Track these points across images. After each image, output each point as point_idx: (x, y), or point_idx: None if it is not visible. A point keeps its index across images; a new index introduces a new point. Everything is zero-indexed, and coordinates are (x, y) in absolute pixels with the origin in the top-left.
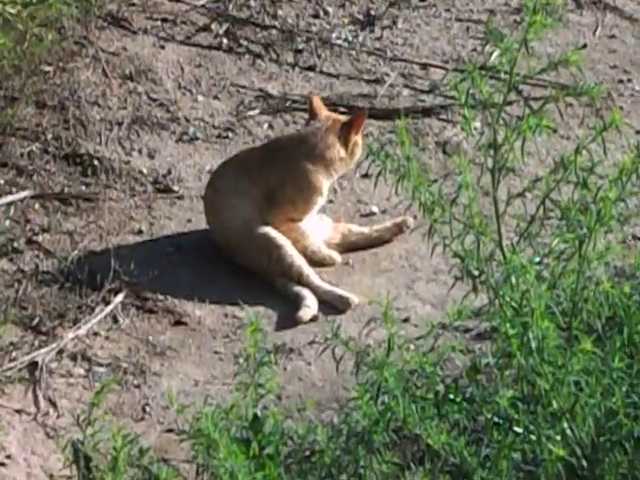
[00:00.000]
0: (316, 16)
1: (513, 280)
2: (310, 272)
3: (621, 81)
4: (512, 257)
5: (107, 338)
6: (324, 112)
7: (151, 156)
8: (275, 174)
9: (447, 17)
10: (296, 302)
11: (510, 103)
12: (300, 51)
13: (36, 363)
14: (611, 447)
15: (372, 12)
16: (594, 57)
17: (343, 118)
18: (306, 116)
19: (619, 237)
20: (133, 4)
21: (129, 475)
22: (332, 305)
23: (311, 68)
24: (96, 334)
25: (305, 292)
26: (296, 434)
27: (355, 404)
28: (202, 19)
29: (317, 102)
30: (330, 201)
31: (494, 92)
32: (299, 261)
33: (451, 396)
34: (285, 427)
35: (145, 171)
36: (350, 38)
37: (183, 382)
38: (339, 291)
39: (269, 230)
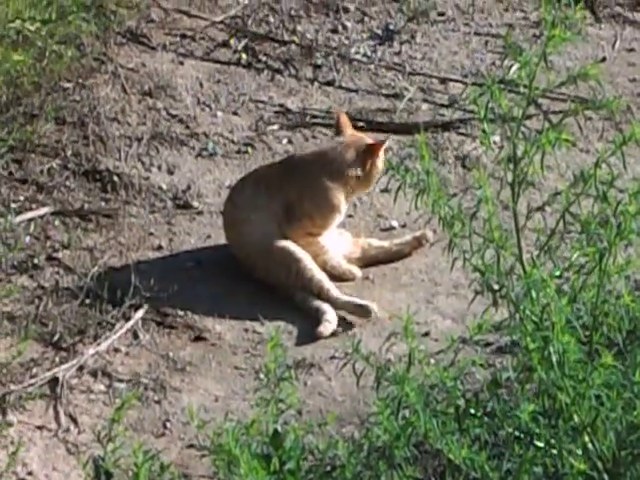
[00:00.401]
0: (335, 31)
1: (533, 294)
2: (330, 286)
3: None
4: (532, 271)
5: (127, 354)
6: (349, 129)
7: (170, 172)
8: (294, 189)
9: (466, 31)
10: (316, 317)
11: (529, 117)
12: (319, 66)
13: (57, 379)
14: (633, 461)
15: (391, 27)
16: (613, 71)
17: (366, 138)
18: (325, 131)
19: (639, 251)
20: (152, 20)
21: None
22: (353, 316)
23: (330, 83)
24: (116, 350)
25: (325, 307)
26: (317, 449)
27: (376, 419)
28: (221, 35)
29: (343, 118)
30: (350, 215)
31: (513, 106)
32: (319, 275)
33: (472, 410)
34: (306, 442)
35: (165, 187)
36: (369, 53)
37: (203, 398)
38: (358, 301)
39: (288, 244)
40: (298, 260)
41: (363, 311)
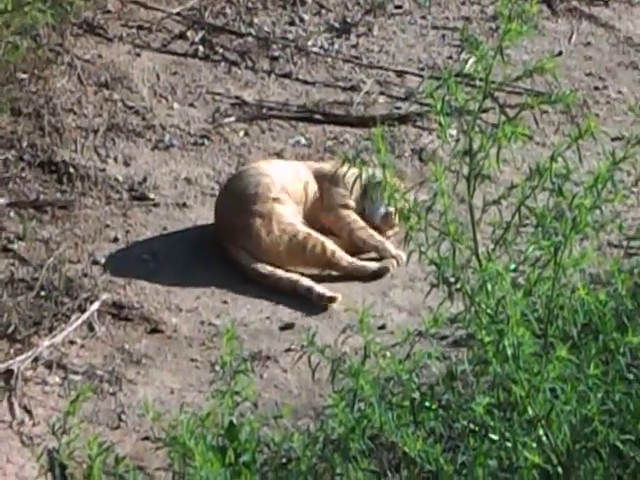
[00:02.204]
0: (292, 24)
1: (489, 287)
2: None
3: (596, 88)
4: (488, 264)
5: (83, 346)
6: None
7: (127, 164)
8: None
9: (423, 24)
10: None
11: (486, 110)
12: (276, 58)
13: (11, 371)
14: (586, 454)
15: (348, 20)
16: (569, 64)
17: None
18: (282, 123)
19: (594, 244)
20: (108, 12)
21: None
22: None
23: (287, 75)
24: (72, 342)
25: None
26: (272, 442)
27: (331, 411)
28: (178, 27)
29: None
30: None
31: (470, 99)
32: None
33: (427, 403)
34: (261, 435)
35: (121, 178)
36: (326, 46)
37: (159, 390)
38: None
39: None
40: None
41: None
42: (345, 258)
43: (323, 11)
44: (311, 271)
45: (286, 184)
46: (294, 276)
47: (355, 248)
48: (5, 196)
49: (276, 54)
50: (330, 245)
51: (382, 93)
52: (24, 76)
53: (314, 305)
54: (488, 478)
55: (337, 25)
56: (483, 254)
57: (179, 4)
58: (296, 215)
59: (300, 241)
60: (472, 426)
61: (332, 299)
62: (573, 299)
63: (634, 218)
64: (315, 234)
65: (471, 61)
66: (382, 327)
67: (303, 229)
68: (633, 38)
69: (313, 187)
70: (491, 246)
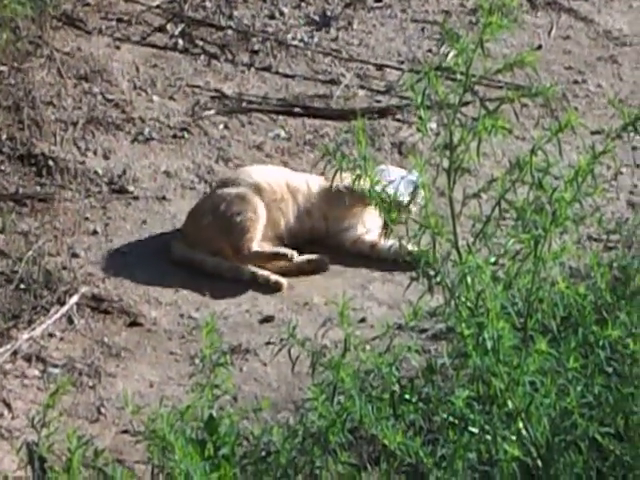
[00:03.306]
0: (272, 17)
1: (469, 280)
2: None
3: (576, 82)
4: (468, 257)
5: (62, 339)
6: None
7: (106, 156)
8: None
9: (403, 18)
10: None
11: (466, 104)
12: (256, 52)
13: None
14: (566, 447)
15: (328, 13)
16: (549, 58)
17: None
18: (261, 117)
19: (574, 238)
20: (88, 4)
21: (84, 476)
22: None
23: (267, 69)
24: (51, 335)
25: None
26: (252, 435)
27: (311, 404)
28: (157, 20)
29: None
30: None
31: (450, 93)
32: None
33: (407, 396)
34: (241, 428)
35: (100, 171)
36: (306, 39)
37: (138, 383)
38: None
39: None
40: None
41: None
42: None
43: (303, 4)
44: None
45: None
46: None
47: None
48: None
49: (256, 47)
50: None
51: (362, 86)
52: (3, 68)
53: (294, 299)
54: (467, 471)
55: (317, 18)
56: (463, 247)
57: None
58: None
59: None
60: (452, 419)
61: (278, 283)
62: (553, 292)
63: (613, 212)
64: None
65: (451, 54)
66: (362, 320)
67: None
68: (612, 32)
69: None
70: (471, 239)
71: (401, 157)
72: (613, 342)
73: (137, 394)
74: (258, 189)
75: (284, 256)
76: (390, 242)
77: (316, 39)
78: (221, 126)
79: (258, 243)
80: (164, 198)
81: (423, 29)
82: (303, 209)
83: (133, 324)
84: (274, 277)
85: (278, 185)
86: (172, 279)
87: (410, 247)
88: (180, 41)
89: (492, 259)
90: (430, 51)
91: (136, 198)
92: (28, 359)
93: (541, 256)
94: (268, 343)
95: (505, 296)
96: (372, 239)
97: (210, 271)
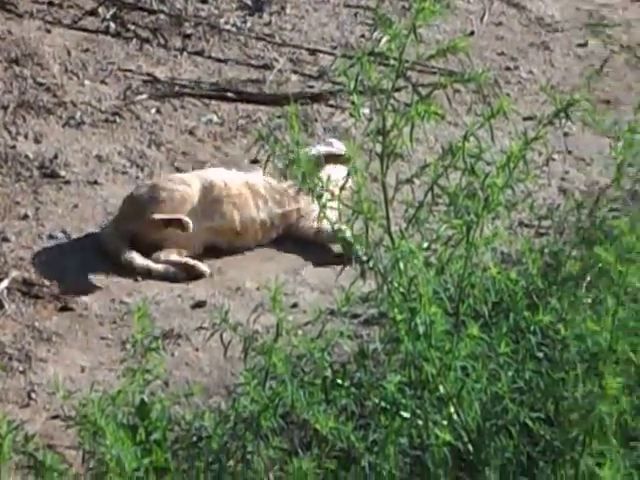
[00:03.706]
0: (204, 1)
1: (401, 266)
2: None
3: (508, 68)
4: (400, 243)
5: None
6: None
7: (37, 141)
8: None
9: (335, 3)
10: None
11: (399, 89)
12: (188, 36)
13: None
14: (497, 432)
15: None
16: (481, 44)
17: None
18: (194, 101)
19: (506, 223)
20: None
21: (14, 461)
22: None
23: (199, 53)
24: None
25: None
26: (183, 420)
27: (243, 389)
28: (89, 3)
29: None
30: None
31: (383, 78)
32: None
33: (339, 381)
34: (172, 413)
35: (31, 156)
36: (239, 23)
37: (69, 368)
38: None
39: None
40: None
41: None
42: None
43: None
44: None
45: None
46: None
47: None
48: None
49: (188, 32)
50: None
51: (295, 71)
52: None
53: (226, 284)
54: (399, 456)
55: (250, 3)
56: (396, 233)
57: None
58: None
59: None
60: (383, 404)
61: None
62: (484, 278)
63: (545, 198)
64: None
65: (384, 40)
66: (294, 306)
67: None
68: (544, 18)
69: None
70: (404, 225)
71: None
72: (544, 327)
73: (68, 379)
74: (204, 185)
75: (179, 222)
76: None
77: (249, 24)
78: (153, 110)
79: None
80: (96, 182)
81: (356, 14)
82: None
83: (64, 309)
84: (192, 262)
85: (234, 182)
86: (103, 264)
87: (338, 228)
88: (112, 25)
89: (425, 244)
90: (363, 36)
91: (67, 182)
92: None
93: (473, 242)
94: (200, 328)
95: (437, 281)
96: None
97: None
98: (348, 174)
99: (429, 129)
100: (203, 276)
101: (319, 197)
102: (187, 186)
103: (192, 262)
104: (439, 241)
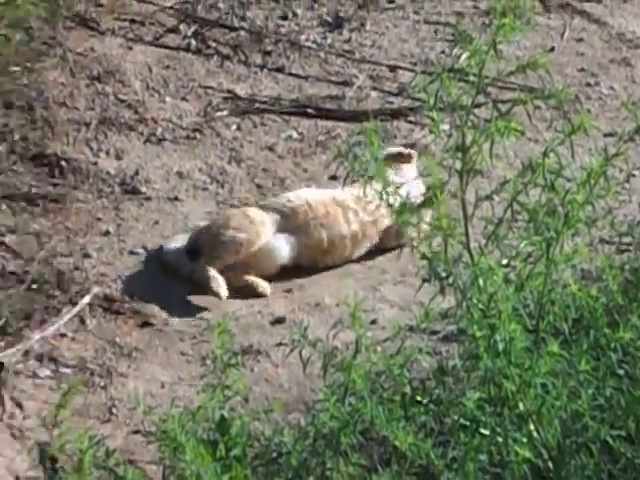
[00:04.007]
0: (285, 18)
1: (481, 282)
2: None
3: (589, 84)
4: (480, 259)
5: (74, 339)
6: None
7: (119, 157)
8: None
9: (415, 19)
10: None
11: (478, 106)
12: (269, 53)
13: (2, 364)
14: (577, 449)
15: (341, 14)
16: (562, 60)
17: None
18: (274, 117)
19: (586, 240)
20: (101, 5)
21: (95, 476)
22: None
23: (279, 70)
24: (63, 335)
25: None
26: (263, 436)
27: (322, 406)
28: (170, 20)
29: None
30: None
31: (462, 94)
32: None
33: (418, 398)
34: (252, 429)
35: (113, 172)
36: (319, 40)
37: (150, 383)
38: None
39: None
40: None
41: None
42: None
43: (316, 5)
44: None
45: None
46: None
47: None
48: None
49: (269, 48)
50: None
51: (374, 88)
52: (16, 69)
53: (305, 300)
54: (479, 473)
55: (330, 19)
56: (475, 249)
57: None
58: None
59: None
60: (463, 421)
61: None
62: (564, 295)
63: (626, 214)
64: None
65: (464, 56)
66: (373, 322)
67: None
68: (625, 34)
69: None
70: (483, 241)
71: None
72: (625, 344)
73: (148, 394)
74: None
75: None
76: None
77: (329, 40)
78: (233, 127)
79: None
80: (176, 199)
81: (436, 31)
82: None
83: (145, 324)
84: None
85: (319, 202)
86: (184, 280)
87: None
88: (193, 42)
89: (504, 261)
90: (443, 53)
91: (148, 199)
92: (40, 359)
93: (553, 258)
94: (279, 344)
95: (517, 298)
96: None
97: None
98: (428, 189)
99: (509, 145)
100: (263, 295)
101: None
102: (258, 224)
103: (252, 279)
104: (518, 258)
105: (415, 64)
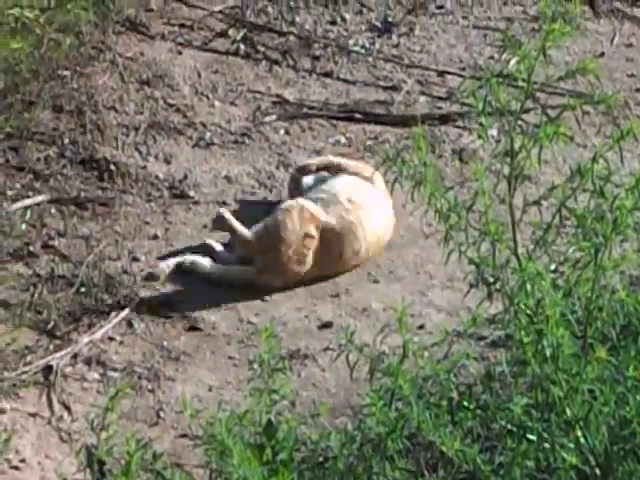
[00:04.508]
0: (333, 23)
1: (528, 287)
2: None
3: (638, 90)
4: (527, 264)
5: (122, 343)
6: None
7: (167, 161)
8: None
9: (464, 24)
10: None
11: (527, 111)
12: (317, 57)
13: (51, 367)
14: (624, 456)
15: (389, 19)
16: (611, 66)
17: None
18: (322, 122)
19: (635, 246)
20: (151, 10)
21: None
22: None
23: (328, 74)
24: (111, 339)
25: None
26: (310, 440)
27: (369, 410)
28: (219, 25)
29: None
30: None
31: (511, 100)
32: None
33: (465, 403)
34: (299, 433)
35: (161, 176)
36: (367, 45)
37: (197, 387)
38: None
39: None
40: None
41: None
42: None
43: (365, 10)
44: None
45: None
46: None
47: None
48: (46, 193)
49: (317, 53)
50: None
51: (423, 93)
52: (66, 73)
53: (352, 305)
54: (525, 479)
55: (378, 24)
56: (523, 254)
57: (221, 2)
58: None
59: None
60: (510, 427)
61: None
62: (613, 301)
63: None
64: None
65: (513, 61)
66: (421, 327)
67: None
68: None
69: None
70: (531, 246)
71: (462, 164)
72: None
73: (196, 398)
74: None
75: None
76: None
77: (377, 45)
78: (282, 131)
79: None
80: (224, 203)
81: (485, 36)
82: None
83: (192, 328)
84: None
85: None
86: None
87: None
88: (242, 46)
89: (552, 267)
90: (492, 58)
91: (197, 203)
92: (88, 362)
93: (601, 264)
94: (326, 349)
95: (565, 304)
96: None
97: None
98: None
99: (557, 151)
100: None
101: (446, 218)
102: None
103: None
104: (567, 263)
105: (464, 69)
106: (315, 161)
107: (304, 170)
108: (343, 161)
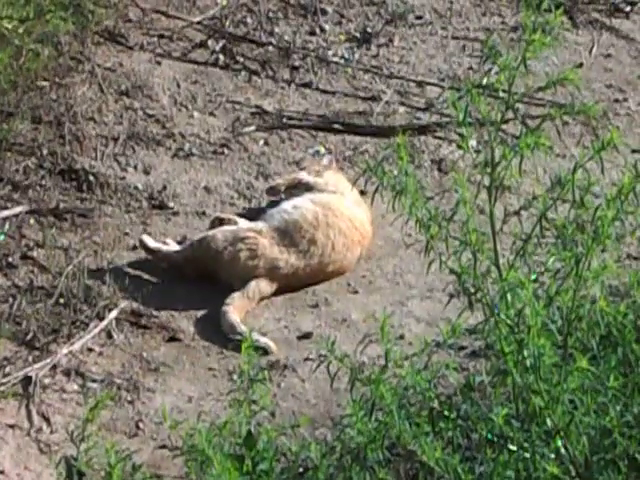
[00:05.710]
0: (312, 33)
1: (509, 298)
2: None
3: (617, 100)
4: (508, 274)
5: (101, 354)
6: None
7: (146, 172)
8: None
9: (443, 35)
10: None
11: (507, 121)
12: (296, 68)
13: (30, 378)
14: (605, 466)
15: (368, 30)
16: (590, 76)
17: None
18: (301, 133)
19: (615, 256)
20: (130, 20)
21: None
22: None
23: (307, 85)
24: (90, 350)
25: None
26: (290, 451)
27: (349, 421)
28: (198, 36)
29: None
30: None
31: (491, 110)
32: None
33: (445, 413)
34: (279, 444)
35: (140, 187)
36: (346, 55)
37: (177, 398)
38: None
39: None
40: None
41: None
42: None
43: (344, 21)
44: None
45: None
46: None
47: None
48: (25, 204)
49: (296, 64)
50: None
51: (402, 103)
52: (45, 84)
53: (332, 315)
54: None
55: (358, 35)
56: (503, 264)
57: (200, 13)
58: None
59: None
60: (490, 436)
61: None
62: (593, 310)
63: None
64: None
65: (493, 72)
66: (401, 337)
67: None
68: None
69: None
70: (511, 257)
71: (440, 174)
72: None
73: (175, 409)
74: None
75: None
76: None
77: (357, 56)
78: (261, 142)
79: None
80: (204, 214)
81: (464, 46)
82: None
83: (172, 339)
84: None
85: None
86: (211, 294)
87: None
88: (221, 57)
89: (533, 277)
90: (471, 68)
91: (176, 213)
92: (67, 373)
93: (582, 274)
94: (306, 359)
95: (545, 314)
96: None
97: None
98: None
99: (537, 161)
100: None
101: (427, 228)
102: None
103: None
104: (547, 273)
105: (443, 80)
106: (283, 181)
107: (273, 191)
108: (312, 179)
